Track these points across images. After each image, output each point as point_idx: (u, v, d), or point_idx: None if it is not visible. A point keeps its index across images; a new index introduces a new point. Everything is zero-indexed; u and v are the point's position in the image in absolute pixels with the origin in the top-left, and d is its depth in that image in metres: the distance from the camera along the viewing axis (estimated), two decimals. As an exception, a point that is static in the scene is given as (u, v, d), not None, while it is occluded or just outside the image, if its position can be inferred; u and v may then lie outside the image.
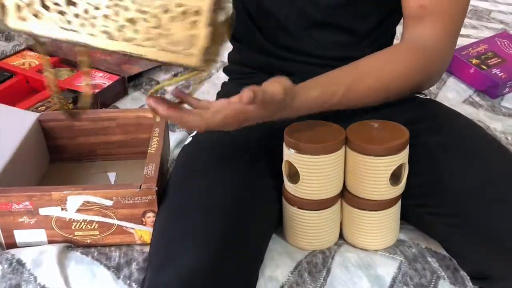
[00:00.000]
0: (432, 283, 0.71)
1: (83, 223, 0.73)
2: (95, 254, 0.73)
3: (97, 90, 1.12)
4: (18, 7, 0.43)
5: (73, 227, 0.74)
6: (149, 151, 0.81)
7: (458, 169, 0.70)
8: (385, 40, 0.84)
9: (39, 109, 1.06)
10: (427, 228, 0.76)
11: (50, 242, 0.74)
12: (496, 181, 0.67)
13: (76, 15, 0.43)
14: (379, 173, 0.70)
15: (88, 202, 0.71)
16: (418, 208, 0.75)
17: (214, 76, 1.24)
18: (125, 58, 1.33)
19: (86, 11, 0.43)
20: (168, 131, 0.94)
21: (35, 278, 0.69)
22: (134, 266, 0.71)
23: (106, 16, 0.43)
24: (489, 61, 1.27)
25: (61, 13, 0.43)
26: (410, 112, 0.77)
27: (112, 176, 0.92)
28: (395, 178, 0.72)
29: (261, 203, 0.73)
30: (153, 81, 1.26)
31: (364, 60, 0.74)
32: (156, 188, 0.72)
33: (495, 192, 0.66)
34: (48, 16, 0.43)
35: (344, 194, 0.75)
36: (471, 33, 1.52)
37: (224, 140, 0.76)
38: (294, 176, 0.71)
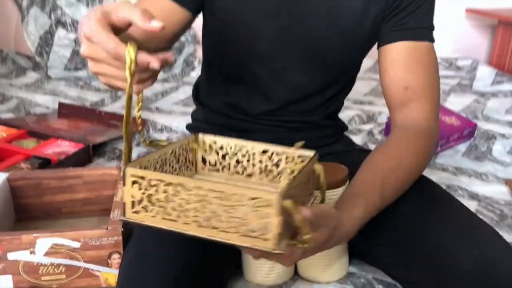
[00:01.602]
0: (380, 307, 0.77)
1: (50, 267, 0.76)
2: (61, 297, 0.75)
3: (62, 157, 1.18)
4: (133, 204, 0.54)
5: (40, 272, 0.77)
6: (114, 199, 0.86)
7: (394, 203, 0.80)
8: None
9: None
10: (373, 260, 0.84)
11: (16, 288, 0.76)
12: (426, 207, 0.77)
13: (173, 208, 0.52)
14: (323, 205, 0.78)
15: (56, 244, 0.75)
16: (366, 241, 0.82)
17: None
18: (91, 130, 1.41)
19: (180, 205, 0.52)
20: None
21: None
22: (100, 306, 0.74)
23: (195, 209, 0.52)
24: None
25: (162, 207, 0.53)
26: (350, 155, 0.88)
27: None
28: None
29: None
30: (117, 149, 1.34)
31: (379, 157, 0.75)
32: (122, 229, 0.77)
33: (425, 218, 0.76)
34: (153, 210, 0.53)
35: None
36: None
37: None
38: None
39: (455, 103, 1.88)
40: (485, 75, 2.20)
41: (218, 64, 0.93)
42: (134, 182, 0.53)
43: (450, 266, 0.70)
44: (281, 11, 0.83)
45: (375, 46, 0.86)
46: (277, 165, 0.68)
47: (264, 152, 0.68)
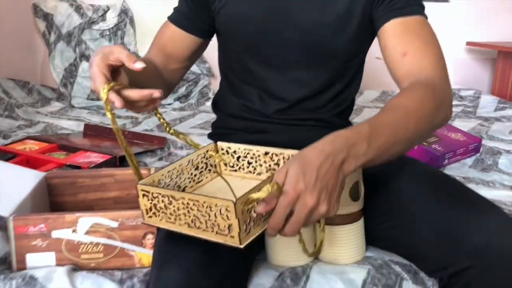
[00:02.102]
0: (397, 283, 0.82)
1: (89, 246, 0.83)
2: (100, 273, 0.81)
3: (92, 165, 1.26)
4: (147, 211, 0.70)
5: (80, 250, 0.83)
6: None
7: (405, 187, 0.86)
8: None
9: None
10: (387, 242, 0.89)
11: (58, 265, 0.82)
12: (435, 188, 0.83)
13: (171, 214, 0.67)
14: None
15: (96, 224, 0.82)
16: (379, 225, 0.88)
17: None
18: (115, 146, 1.50)
19: (175, 211, 0.66)
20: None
21: (46, 290, 0.76)
22: (136, 279, 0.80)
23: (184, 214, 0.66)
24: (428, 139, 1.51)
25: (164, 213, 0.68)
26: None
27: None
28: (355, 196, 0.87)
29: None
30: (141, 162, 1.42)
31: (384, 113, 0.75)
32: (156, 210, 0.84)
33: (436, 197, 0.82)
34: (159, 215, 0.69)
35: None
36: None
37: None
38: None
39: (460, 126, 1.95)
40: (488, 103, 2.30)
41: (231, 72, 1.04)
42: (143, 195, 0.69)
43: (461, 240, 0.75)
44: (277, 17, 0.93)
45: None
46: (277, 164, 0.80)
47: (266, 153, 0.80)
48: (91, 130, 1.67)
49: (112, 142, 1.56)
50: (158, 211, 0.69)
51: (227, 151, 0.84)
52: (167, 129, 0.77)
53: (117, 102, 0.68)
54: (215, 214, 0.62)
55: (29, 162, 1.29)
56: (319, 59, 0.95)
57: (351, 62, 1.00)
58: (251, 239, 0.64)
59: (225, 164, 0.85)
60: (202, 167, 0.83)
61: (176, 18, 1.02)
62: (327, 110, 1.00)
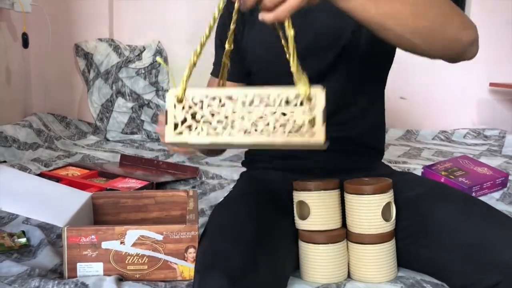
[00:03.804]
0: (429, 301, 0.84)
1: (135, 257, 0.88)
2: (145, 283, 0.86)
3: (131, 190, 1.33)
4: (176, 125, 0.56)
5: (126, 261, 0.88)
6: (187, 208, 0.99)
7: (434, 207, 0.90)
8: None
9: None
10: (418, 262, 0.92)
11: (105, 275, 0.87)
12: (463, 208, 0.87)
13: (219, 121, 0.55)
14: (372, 209, 0.89)
15: (143, 236, 0.88)
16: (409, 245, 0.92)
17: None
18: (150, 174, 1.57)
19: (226, 117, 0.54)
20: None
21: (95, 297, 0.81)
22: (178, 290, 0.84)
23: (242, 117, 0.54)
24: (455, 173, 1.54)
25: (207, 122, 0.55)
26: (392, 177, 0.99)
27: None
28: (387, 217, 0.91)
29: (280, 243, 0.89)
30: (175, 189, 1.48)
31: None
32: (198, 225, 0.89)
33: (465, 216, 0.85)
34: (198, 127, 0.56)
35: (347, 234, 0.92)
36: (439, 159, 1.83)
37: (251, 197, 0.95)
38: (304, 216, 0.90)
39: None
40: (513, 142, 2.31)
41: None
42: (176, 105, 0.55)
43: (489, 257, 0.78)
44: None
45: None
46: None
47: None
48: (126, 160, 1.75)
49: (147, 171, 1.64)
50: (197, 122, 0.55)
51: None
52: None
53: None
54: (292, 108, 0.52)
55: (72, 186, 1.37)
56: (347, 69, 0.97)
57: (376, 69, 1.01)
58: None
59: None
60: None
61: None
62: (355, 126, 1.01)
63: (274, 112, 0.53)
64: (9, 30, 2.12)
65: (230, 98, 0.54)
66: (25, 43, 2.07)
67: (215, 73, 1.10)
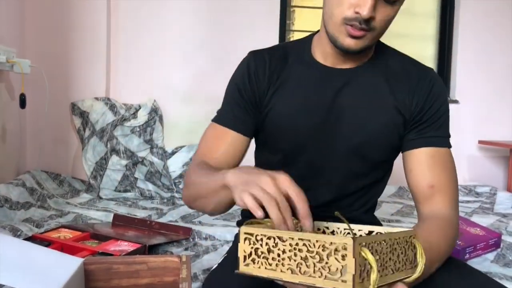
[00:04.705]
0: None
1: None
2: None
3: (123, 254, 1.31)
4: (244, 258, 0.66)
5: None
6: (180, 275, 0.98)
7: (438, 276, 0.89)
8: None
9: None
10: None
11: None
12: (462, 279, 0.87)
13: (273, 259, 0.63)
14: None
15: (134, 307, 0.86)
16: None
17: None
18: (143, 236, 1.56)
19: (279, 254, 0.63)
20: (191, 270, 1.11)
21: None
22: None
23: (289, 258, 0.62)
24: (448, 234, 1.54)
25: (265, 258, 0.64)
26: None
27: (140, 312, 1.05)
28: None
29: None
30: (168, 251, 1.46)
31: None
32: (191, 296, 0.88)
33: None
34: (259, 261, 0.65)
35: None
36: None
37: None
38: None
39: (479, 222, 1.98)
40: (504, 199, 2.34)
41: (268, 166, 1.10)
42: (245, 239, 0.66)
43: None
44: (325, 127, 0.98)
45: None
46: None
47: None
48: (119, 220, 1.74)
49: (139, 232, 1.63)
50: (259, 257, 0.65)
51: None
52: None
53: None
54: (327, 255, 0.58)
55: (63, 249, 1.35)
56: (359, 168, 1.01)
57: (382, 169, 1.06)
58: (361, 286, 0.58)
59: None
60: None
61: (233, 123, 0.99)
62: (355, 209, 1.05)
63: (314, 256, 0.60)
64: (7, 90, 2.16)
65: (280, 239, 0.63)
66: (23, 103, 2.10)
67: (224, 122, 1.00)
